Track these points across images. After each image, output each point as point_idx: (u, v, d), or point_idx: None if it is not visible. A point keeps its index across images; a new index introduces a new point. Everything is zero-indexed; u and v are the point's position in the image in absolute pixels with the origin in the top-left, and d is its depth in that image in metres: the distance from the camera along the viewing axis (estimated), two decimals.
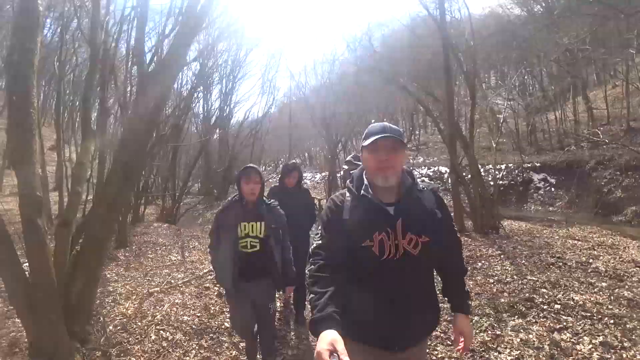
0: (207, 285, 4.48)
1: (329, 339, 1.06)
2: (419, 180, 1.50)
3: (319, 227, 1.44)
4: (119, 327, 3.08)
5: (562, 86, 18.27)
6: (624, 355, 2.67)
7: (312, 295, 1.26)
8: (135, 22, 5.72)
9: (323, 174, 24.29)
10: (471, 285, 4.25)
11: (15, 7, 5.46)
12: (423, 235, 1.31)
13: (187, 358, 2.79)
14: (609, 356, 2.68)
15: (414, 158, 22.03)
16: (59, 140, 8.18)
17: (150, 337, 2.95)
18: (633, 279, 4.36)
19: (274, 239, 2.42)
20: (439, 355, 2.85)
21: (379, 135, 1.32)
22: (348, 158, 2.04)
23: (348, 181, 1.48)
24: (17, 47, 2.60)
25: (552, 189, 12.11)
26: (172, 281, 4.47)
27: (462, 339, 1.39)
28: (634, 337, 2.90)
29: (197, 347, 2.93)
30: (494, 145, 9.31)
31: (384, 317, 1.30)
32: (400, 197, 1.37)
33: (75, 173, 3.69)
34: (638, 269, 4.64)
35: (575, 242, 6.24)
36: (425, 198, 1.41)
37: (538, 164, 13.03)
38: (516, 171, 13.30)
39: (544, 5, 17.35)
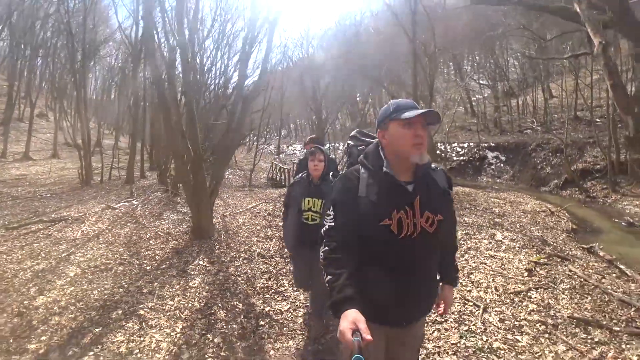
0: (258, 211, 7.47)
1: (351, 317, 1.09)
2: None
3: (330, 208, 1.40)
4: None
5: (529, 75, 21.50)
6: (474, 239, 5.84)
7: (329, 277, 1.26)
8: None
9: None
10: None
11: None
12: (439, 213, 1.37)
13: (262, 234, 5.78)
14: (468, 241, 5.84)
15: None
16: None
17: (242, 228, 5.94)
18: (511, 217, 7.66)
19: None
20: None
21: (422, 110, 1.31)
22: (353, 133, 2.10)
23: (361, 157, 1.48)
24: None
25: (501, 165, 15.60)
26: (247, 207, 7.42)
27: (443, 305, 1.56)
28: (480, 232, 6.08)
29: (264, 235, 5.92)
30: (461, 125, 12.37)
31: (397, 295, 1.35)
32: (417, 175, 1.39)
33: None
34: (513, 210, 8.04)
35: (495, 200, 9.58)
36: (438, 177, 1.47)
37: (493, 144, 16.45)
38: (475, 149, 16.69)
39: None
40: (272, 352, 2.70)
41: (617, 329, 2.89)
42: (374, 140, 1.57)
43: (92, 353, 2.63)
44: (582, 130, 15.97)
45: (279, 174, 16.64)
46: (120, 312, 3.25)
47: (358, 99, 30.95)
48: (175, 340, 2.77)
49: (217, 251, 4.88)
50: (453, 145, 15.42)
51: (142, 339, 2.78)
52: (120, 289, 3.76)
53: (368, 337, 1.03)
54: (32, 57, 23.29)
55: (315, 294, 2.98)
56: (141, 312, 3.19)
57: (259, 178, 18.65)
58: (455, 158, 16.20)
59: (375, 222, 1.31)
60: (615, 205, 10.74)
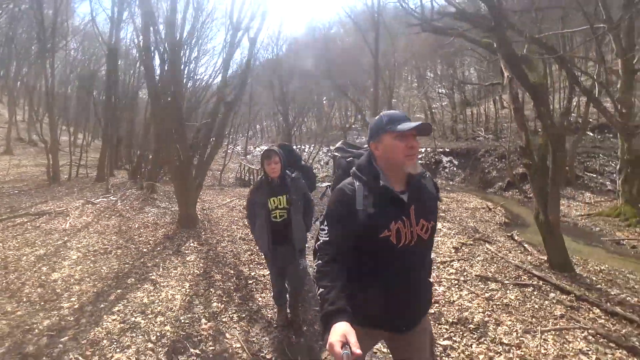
0: (234, 206, 8.31)
1: (341, 330, 1.10)
2: None
3: (324, 222, 1.43)
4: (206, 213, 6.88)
5: (485, 86, 23.74)
6: None
7: (321, 290, 1.27)
8: None
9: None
10: None
11: None
12: (431, 220, 1.44)
13: (241, 223, 6.68)
14: None
15: (357, 137, 26.64)
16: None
17: (222, 219, 6.81)
18: (454, 212, 9.03)
19: (293, 208, 2.95)
20: None
21: (416, 123, 1.36)
22: (338, 145, 2.12)
23: (354, 169, 1.50)
24: None
25: (454, 168, 17.37)
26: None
27: None
28: None
29: (242, 224, 6.81)
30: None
31: (396, 302, 1.39)
32: (410, 184, 1.45)
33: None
34: (457, 207, 9.46)
35: (444, 199, 11.03)
36: (427, 184, 1.52)
37: (448, 150, 18.23)
38: (431, 154, 18.42)
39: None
40: (259, 299, 3.69)
41: (507, 282, 4.15)
42: (359, 151, 1.67)
43: (120, 304, 3.48)
44: (524, 136, 18.17)
45: (247, 174, 17.41)
46: (133, 279, 4.09)
47: (324, 102, 32.27)
48: (186, 293, 3.69)
49: (203, 236, 5.76)
50: None
51: (158, 294, 3.66)
52: (127, 265, 4.57)
53: (357, 351, 1.04)
54: None
55: (293, 280, 3.19)
56: (152, 277, 4.06)
57: (227, 178, 19.28)
58: None
59: (375, 234, 1.34)
60: None
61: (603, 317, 3.54)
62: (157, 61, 6.41)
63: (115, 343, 2.81)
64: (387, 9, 12.28)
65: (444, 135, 22.84)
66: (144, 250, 5.19)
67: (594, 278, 4.68)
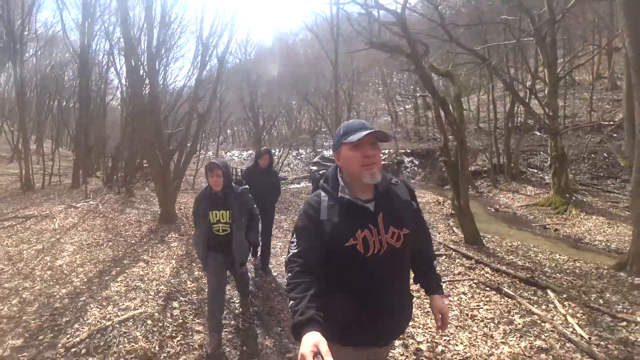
0: None
1: (313, 340, 1.10)
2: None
3: (294, 236, 1.47)
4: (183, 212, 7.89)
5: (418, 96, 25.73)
6: None
7: (291, 302, 1.28)
8: None
9: (249, 151, 28.88)
10: None
11: None
12: (404, 227, 1.42)
13: None
14: None
15: (325, 142, 28.01)
16: None
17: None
18: None
19: (235, 225, 3.04)
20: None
21: (368, 131, 1.36)
22: (315, 159, 2.10)
23: (322, 181, 1.55)
24: None
25: (415, 168, 19.08)
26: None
27: (441, 316, 1.57)
28: None
29: None
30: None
31: (371, 315, 1.41)
32: (378, 192, 1.45)
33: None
34: None
35: None
36: (399, 191, 1.52)
37: (409, 151, 19.95)
38: (394, 154, 20.06)
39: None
40: None
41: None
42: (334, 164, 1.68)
43: (121, 276, 4.51)
44: (482, 139, 20.06)
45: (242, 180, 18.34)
46: (127, 261, 5.12)
47: (294, 106, 33.47)
48: (173, 267, 4.77)
49: (182, 229, 6.82)
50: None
51: (151, 268, 4.73)
52: (120, 252, 5.58)
53: (330, 359, 1.05)
54: None
55: (240, 285, 3.66)
56: (144, 258, 5.11)
57: (199, 182, 20.11)
58: None
59: (341, 243, 1.35)
60: (494, 197, 14.34)
61: (489, 273, 4.91)
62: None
63: (123, 297, 3.86)
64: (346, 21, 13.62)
65: (407, 136, 24.60)
66: (132, 241, 6.19)
67: (499, 249, 6.10)
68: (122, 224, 7.37)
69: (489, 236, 7.24)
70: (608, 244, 7.65)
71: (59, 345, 2.96)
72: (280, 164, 20.25)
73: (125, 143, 13.37)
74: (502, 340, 3.21)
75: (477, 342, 3.18)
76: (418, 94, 20.94)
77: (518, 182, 14.83)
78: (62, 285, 4.37)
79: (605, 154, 14.42)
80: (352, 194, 1.42)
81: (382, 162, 1.50)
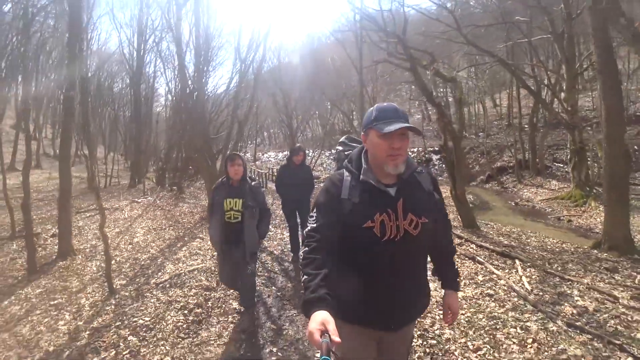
0: None
1: (320, 319, 1.14)
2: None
3: (313, 210, 1.50)
4: None
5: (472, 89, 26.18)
6: None
7: (305, 277, 1.32)
8: None
9: (284, 152, 30.68)
10: None
11: None
12: (423, 216, 1.43)
13: None
14: None
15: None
16: None
17: None
18: None
19: (247, 213, 3.29)
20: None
21: (400, 125, 1.38)
22: (342, 139, 2.08)
23: (346, 161, 1.58)
24: None
25: (443, 165, 19.79)
26: None
27: (450, 313, 1.62)
28: None
29: None
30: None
31: (382, 298, 1.44)
32: (401, 178, 1.47)
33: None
34: None
35: None
36: (423, 180, 1.54)
37: (437, 148, 20.70)
38: (422, 152, 20.93)
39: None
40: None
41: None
42: (360, 146, 1.65)
43: (184, 248, 6.11)
44: (512, 134, 20.47)
45: (256, 178, 20.17)
46: (187, 238, 6.74)
47: (328, 107, 34.92)
48: None
49: None
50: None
51: (206, 242, 6.27)
52: (180, 233, 7.24)
53: (337, 339, 1.07)
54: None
55: (244, 291, 3.54)
56: (200, 237, 6.71)
57: None
58: None
59: (359, 224, 1.39)
60: (518, 192, 14.96)
61: (473, 248, 6.01)
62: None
63: (189, 258, 5.44)
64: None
65: (438, 135, 25.20)
66: (188, 226, 7.85)
67: (492, 233, 7.13)
68: (178, 214, 9.12)
69: (492, 223, 8.24)
70: None
71: (151, 282, 4.55)
72: (313, 164, 21.69)
73: (173, 148, 15.44)
74: (460, 290, 4.34)
75: (438, 290, 4.38)
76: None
77: (543, 177, 15.31)
78: (143, 253, 6.04)
79: (635, 147, 14.57)
80: (374, 177, 1.45)
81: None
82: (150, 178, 17.67)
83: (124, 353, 3.03)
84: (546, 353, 2.86)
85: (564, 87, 12.43)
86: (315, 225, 1.44)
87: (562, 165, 15.57)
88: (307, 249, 1.40)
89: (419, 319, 3.27)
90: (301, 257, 1.42)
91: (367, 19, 7.54)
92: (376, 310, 1.45)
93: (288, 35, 63.40)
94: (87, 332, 3.46)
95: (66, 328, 3.61)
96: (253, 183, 3.46)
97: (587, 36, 19.96)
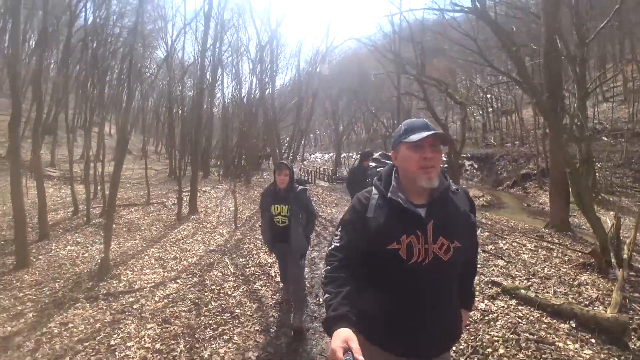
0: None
1: (343, 336, 1.16)
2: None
3: (339, 228, 1.53)
4: None
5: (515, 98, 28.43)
6: None
7: (326, 295, 1.35)
8: None
9: (330, 154, 34.32)
10: None
11: None
12: (455, 240, 1.40)
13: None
14: None
15: None
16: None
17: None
18: None
19: (293, 218, 3.64)
20: None
21: (431, 132, 1.37)
22: (375, 155, 2.14)
23: (376, 178, 1.57)
24: None
25: (474, 171, 22.50)
26: None
27: None
28: None
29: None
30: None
31: (407, 325, 1.41)
32: (432, 198, 1.43)
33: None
34: None
35: None
36: (458, 200, 1.49)
37: (469, 155, 23.44)
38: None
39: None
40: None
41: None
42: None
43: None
44: (539, 143, 22.79)
45: (305, 176, 24.08)
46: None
47: (373, 111, 38.16)
48: None
49: None
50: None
51: None
52: (254, 210, 11.09)
53: (360, 357, 1.08)
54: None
55: (293, 283, 3.96)
56: None
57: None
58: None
59: (383, 245, 1.37)
60: (537, 197, 17.57)
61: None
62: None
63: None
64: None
65: (476, 142, 27.77)
66: None
67: (483, 220, 10.24)
68: (253, 195, 13.06)
69: (494, 216, 11.32)
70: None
71: (256, 225, 8.35)
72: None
73: (240, 146, 19.69)
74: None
75: None
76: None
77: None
78: (238, 220, 9.88)
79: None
80: (404, 197, 1.42)
81: (443, 166, 1.58)
82: (213, 171, 22.02)
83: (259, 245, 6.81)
84: None
85: (575, 105, 14.95)
86: (339, 244, 1.49)
87: None
88: (329, 267, 1.45)
89: None
90: (323, 276, 1.46)
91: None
92: (398, 336, 1.43)
93: (338, 45, 68.22)
94: (233, 241, 7.30)
95: (220, 239, 7.49)
96: (299, 188, 3.76)
97: (599, 60, 22.02)
